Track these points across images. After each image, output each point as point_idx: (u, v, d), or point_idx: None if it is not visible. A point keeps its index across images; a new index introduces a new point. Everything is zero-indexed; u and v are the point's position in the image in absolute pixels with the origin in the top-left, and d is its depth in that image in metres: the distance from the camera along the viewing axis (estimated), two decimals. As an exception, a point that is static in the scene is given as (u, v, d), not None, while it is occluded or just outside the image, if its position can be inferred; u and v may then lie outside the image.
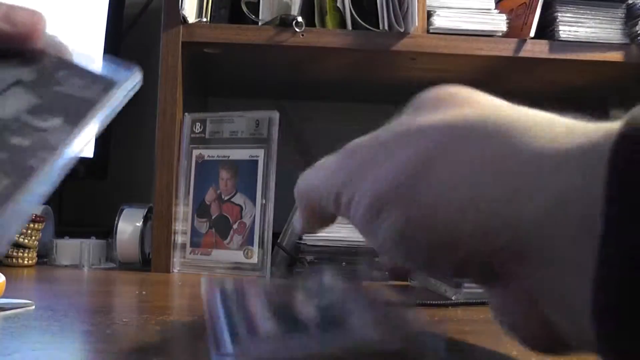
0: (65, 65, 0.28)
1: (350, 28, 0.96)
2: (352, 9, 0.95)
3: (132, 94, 0.28)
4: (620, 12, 1.03)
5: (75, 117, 0.25)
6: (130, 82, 0.28)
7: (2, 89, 0.26)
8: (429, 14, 0.98)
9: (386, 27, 0.94)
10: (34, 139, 0.24)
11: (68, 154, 0.24)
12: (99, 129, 0.27)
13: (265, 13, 0.97)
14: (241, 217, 0.88)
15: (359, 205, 0.25)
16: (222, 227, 0.89)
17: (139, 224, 0.90)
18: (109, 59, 0.29)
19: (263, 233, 0.86)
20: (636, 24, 1.02)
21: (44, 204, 0.96)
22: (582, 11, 1.02)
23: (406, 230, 0.23)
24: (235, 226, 0.88)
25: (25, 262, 0.88)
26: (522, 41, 0.98)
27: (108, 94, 0.27)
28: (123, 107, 0.28)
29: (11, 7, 0.27)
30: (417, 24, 0.94)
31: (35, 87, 0.26)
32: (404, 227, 0.23)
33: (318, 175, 0.29)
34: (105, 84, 0.27)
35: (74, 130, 0.25)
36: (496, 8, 1.01)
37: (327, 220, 0.32)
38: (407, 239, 0.23)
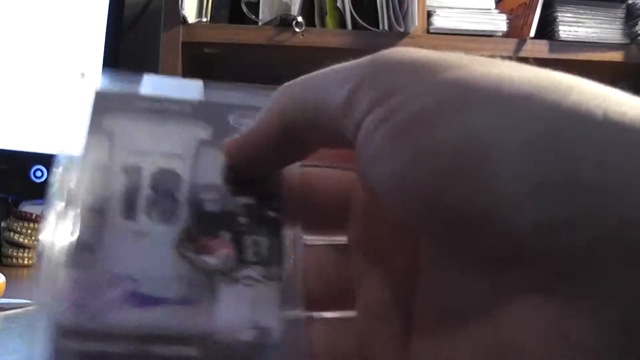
0: (229, 108, 0.25)
1: (350, 28, 0.96)
2: (352, 9, 0.95)
3: None
4: (620, 12, 1.03)
5: None
6: None
7: (194, 156, 0.24)
8: (429, 14, 0.98)
9: (386, 27, 0.94)
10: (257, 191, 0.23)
11: None
12: None
13: (265, 13, 0.97)
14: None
15: (395, 111, 0.16)
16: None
17: (139, 224, 0.90)
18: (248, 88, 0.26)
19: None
20: (636, 24, 1.02)
21: (44, 203, 0.96)
22: (582, 11, 1.02)
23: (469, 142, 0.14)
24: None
25: (25, 262, 0.87)
26: (522, 41, 0.99)
27: None
28: None
29: None
30: (417, 24, 0.94)
31: (219, 141, 0.24)
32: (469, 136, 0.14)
33: (323, 74, 0.20)
34: None
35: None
36: (496, 8, 1.01)
37: (295, 144, 0.21)
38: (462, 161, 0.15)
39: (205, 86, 0.25)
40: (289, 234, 0.23)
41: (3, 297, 0.52)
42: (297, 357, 0.21)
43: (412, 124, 0.16)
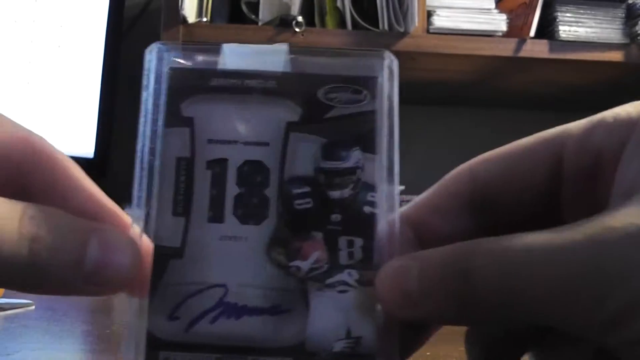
0: (318, 81, 0.21)
1: (350, 28, 0.96)
2: (352, 9, 0.95)
3: (397, 80, 0.22)
4: (620, 12, 1.03)
5: (369, 141, 0.21)
6: (387, 66, 0.22)
7: (282, 144, 0.21)
8: (429, 14, 0.98)
9: (386, 27, 0.94)
10: (352, 184, 0.21)
11: (394, 187, 0.21)
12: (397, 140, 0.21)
13: (265, 13, 0.97)
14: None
15: None
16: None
17: (139, 224, 0.90)
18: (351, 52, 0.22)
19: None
20: (636, 24, 1.02)
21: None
22: (582, 11, 1.02)
23: None
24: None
25: (25, 262, 0.87)
26: (522, 41, 0.99)
27: (381, 96, 0.21)
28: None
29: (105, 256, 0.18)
30: (417, 24, 0.94)
31: (308, 123, 0.21)
32: None
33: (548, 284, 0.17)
34: (368, 84, 0.22)
35: (377, 157, 0.21)
36: (496, 8, 1.01)
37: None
38: None
39: (291, 51, 0.22)
40: (386, 231, 0.21)
41: (3, 297, 0.52)
42: None
43: None
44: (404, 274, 0.19)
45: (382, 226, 0.20)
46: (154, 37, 0.98)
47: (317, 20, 0.97)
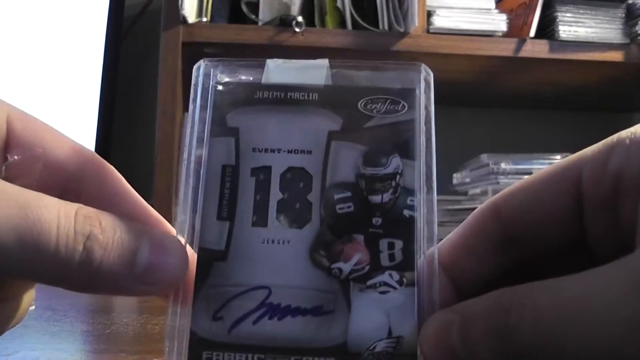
0: (358, 93, 0.23)
1: (350, 28, 0.96)
2: (352, 9, 0.95)
3: (432, 91, 0.23)
4: (620, 12, 1.04)
5: (408, 148, 0.22)
6: (424, 78, 0.23)
7: (324, 152, 0.22)
8: (429, 14, 0.98)
9: (386, 27, 0.94)
10: (391, 188, 0.22)
11: (432, 192, 0.22)
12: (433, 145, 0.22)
13: (265, 13, 0.97)
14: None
15: None
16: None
17: (139, 224, 0.90)
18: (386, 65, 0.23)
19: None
20: (636, 24, 1.02)
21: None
22: (582, 11, 1.02)
23: None
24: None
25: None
26: (522, 41, 0.99)
27: (418, 106, 0.22)
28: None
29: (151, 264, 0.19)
30: (417, 24, 0.94)
31: (349, 132, 0.22)
32: None
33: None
34: (406, 95, 0.23)
35: (416, 163, 0.22)
36: (496, 8, 1.01)
37: None
38: None
39: (332, 66, 0.23)
40: (424, 233, 0.21)
41: (3, 297, 0.52)
42: None
43: None
44: (446, 330, 0.19)
45: (421, 262, 0.21)
46: (154, 37, 0.98)
47: (317, 20, 0.97)
